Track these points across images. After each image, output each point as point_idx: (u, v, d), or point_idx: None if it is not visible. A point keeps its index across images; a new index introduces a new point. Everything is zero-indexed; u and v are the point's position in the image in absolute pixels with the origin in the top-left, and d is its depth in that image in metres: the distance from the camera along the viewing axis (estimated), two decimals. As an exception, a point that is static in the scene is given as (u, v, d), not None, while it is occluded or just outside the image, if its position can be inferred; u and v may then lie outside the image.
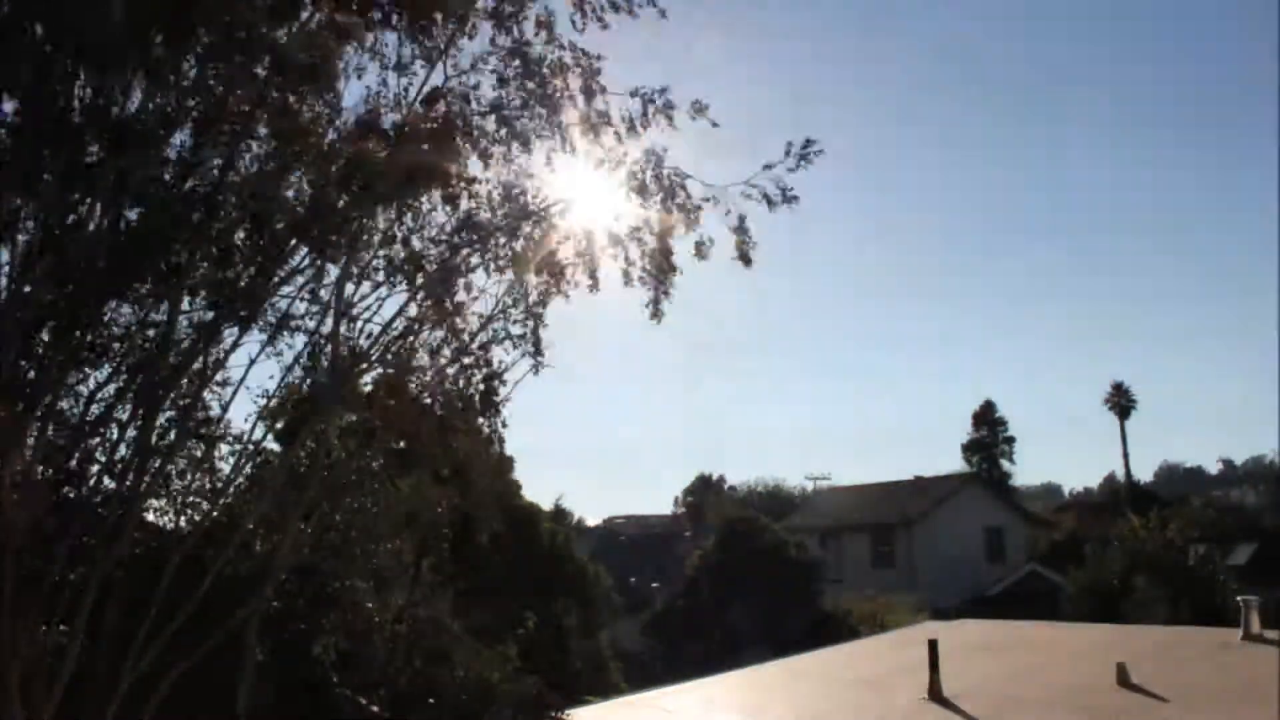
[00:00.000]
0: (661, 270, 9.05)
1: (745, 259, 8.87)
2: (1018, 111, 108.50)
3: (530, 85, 8.79)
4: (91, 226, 8.11)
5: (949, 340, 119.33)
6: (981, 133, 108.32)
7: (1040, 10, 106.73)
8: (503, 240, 9.52)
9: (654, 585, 37.92)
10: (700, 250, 9.01)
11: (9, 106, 7.76)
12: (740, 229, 8.86)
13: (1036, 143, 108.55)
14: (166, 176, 8.50)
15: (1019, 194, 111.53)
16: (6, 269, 7.99)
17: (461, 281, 9.56)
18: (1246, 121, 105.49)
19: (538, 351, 9.60)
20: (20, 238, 7.97)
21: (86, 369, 8.74)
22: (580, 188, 9.38)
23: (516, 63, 8.79)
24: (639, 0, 8.56)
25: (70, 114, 7.80)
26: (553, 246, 9.35)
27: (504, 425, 9.99)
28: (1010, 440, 67.08)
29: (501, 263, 9.56)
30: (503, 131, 8.99)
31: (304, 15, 8.10)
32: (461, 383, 9.80)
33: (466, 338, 9.70)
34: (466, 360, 9.71)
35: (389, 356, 9.94)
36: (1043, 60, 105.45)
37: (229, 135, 8.38)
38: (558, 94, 8.76)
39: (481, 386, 9.69)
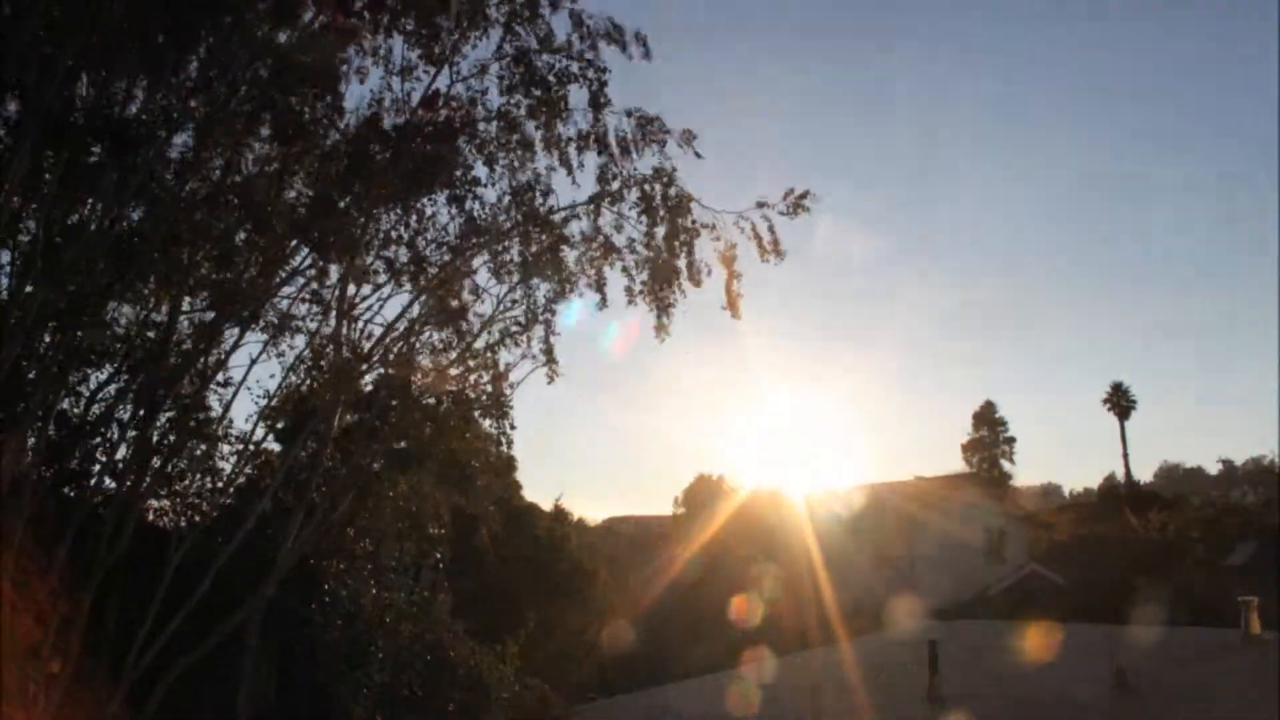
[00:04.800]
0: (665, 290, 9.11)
1: (734, 309, 9.05)
2: (1019, 110, 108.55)
3: (536, 93, 8.81)
4: (93, 227, 8.11)
5: (949, 340, 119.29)
6: (981, 129, 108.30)
7: (1044, 12, 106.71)
8: (509, 244, 9.54)
9: (652, 585, 37.90)
10: (695, 274, 9.10)
11: (11, 106, 7.77)
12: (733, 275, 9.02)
13: (1037, 139, 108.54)
14: (168, 177, 8.51)
15: (1019, 193, 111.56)
16: (7, 269, 8.01)
17: (466, 284, 9.59)
18: (1246, 120, 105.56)
19: (550, 360, 9.61)
20: (21, 238, 7.98)
21: (87, 369, 8.75)
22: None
23: (521, 69, 8.81)
24: (629, 39, 8.74)
25: (72, 114, 7.80)
26: (561, 253, 9.36)
27: (512, 427, 9.99)
28: (1010, 440, 67.06)
29: (508, 267, 9.59)
30: (509, 137, 9.01)
31: (306, 17, 8.11)
32: (467, 384, 9.83)
33: (471, 339, 9.73)
34: (472, 362, 9.73)
35: (391, 357, 9.96)
36: (1044, 59, 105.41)
37: (231, 136, 8.39)
38: (562, 103, 8.78)
39: (489, 389, 9.70)
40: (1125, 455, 67.95)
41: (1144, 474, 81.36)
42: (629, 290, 9.22)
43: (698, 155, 8.81)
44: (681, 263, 9.10)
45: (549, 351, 9.52)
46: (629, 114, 8.83)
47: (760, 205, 8.92)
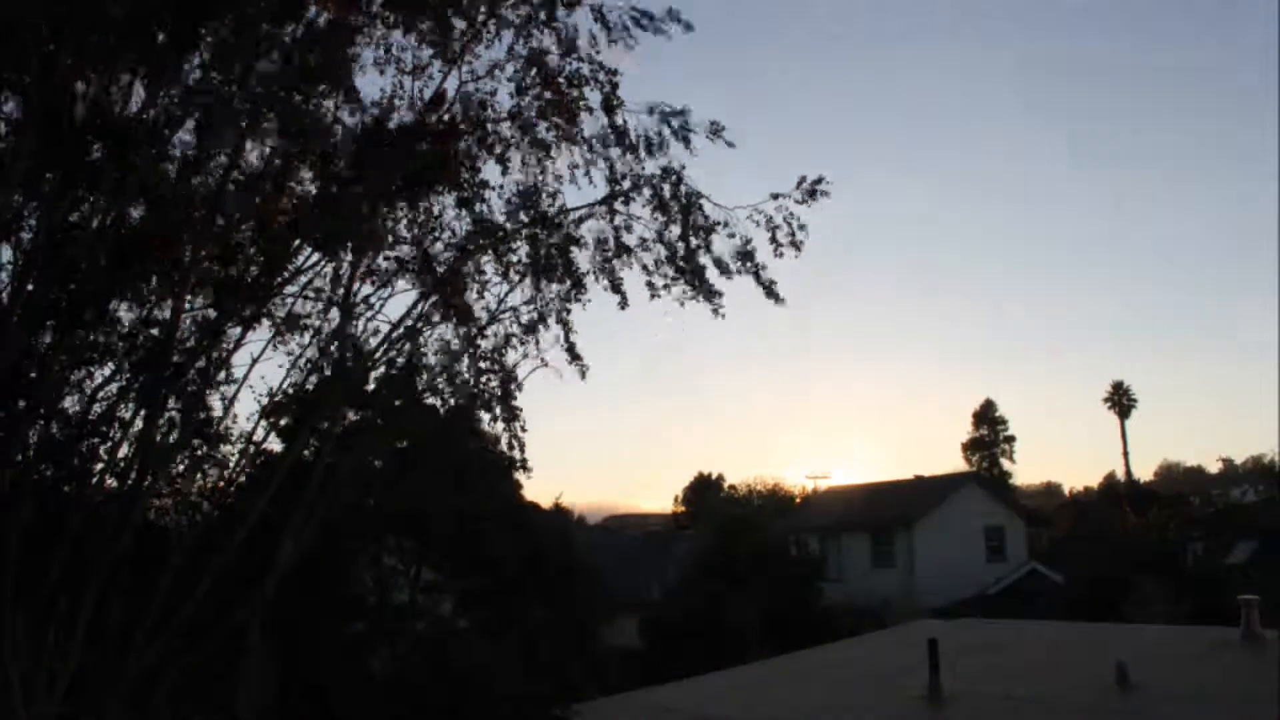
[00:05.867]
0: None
1: (773, 295, 9.00)
2: (1021, 106, 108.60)
3: (548, 95, 8.72)
4: (94, 225, 8.08)
5: (949, 339, 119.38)
6: (981, 126, 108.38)
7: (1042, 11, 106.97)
8: (517, 245, 9.49)
9: (653, 584, 37.90)
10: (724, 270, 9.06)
11: (11, 105, 7.73)
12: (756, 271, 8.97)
13: (1037, 137, 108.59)
14: (170, 174, 8.46)
15: (1020, 193, 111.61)
16: (9, 268, 7.97)
17: (474, 284, 9.53)
18: (1246, 118, 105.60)
19: (574, 358, 9.49)
20: (23, 236, 7.95)
21: (89, 368, 8.71)
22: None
23: (534, 71, 8.74)
24: (662, 18, 8.46)
25: (73, 113, 7.75)
26: (571, 254, 9.29)
27: (523, 429, 9.84)
28: (1010, 439, 67.25)
29: (516, 268, 9.53)
30: (522, 139, 8.93)
31: (310, 13, 8.05)
32: (476, 384, 9.75)
33: (478, 338, 9.66)
34: (482, 364, 9.66)
35: (395, 355, 9.92)
36: (1045, 55, 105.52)
37: (234, 134, 8.34)
38: (575, 105, 8.70)
39: (499, 391, 9.61)
40: (1125, 454, 68.32)
41: (1144, 473, 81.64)
42: (650, 285, 9.19)
43: (729, 144, 8.69)
44: (706, 259, 9.05)
45: (571, 349, 9.45)
46: (651, 110, 8.73)
47: (775, 196, 8.84)
